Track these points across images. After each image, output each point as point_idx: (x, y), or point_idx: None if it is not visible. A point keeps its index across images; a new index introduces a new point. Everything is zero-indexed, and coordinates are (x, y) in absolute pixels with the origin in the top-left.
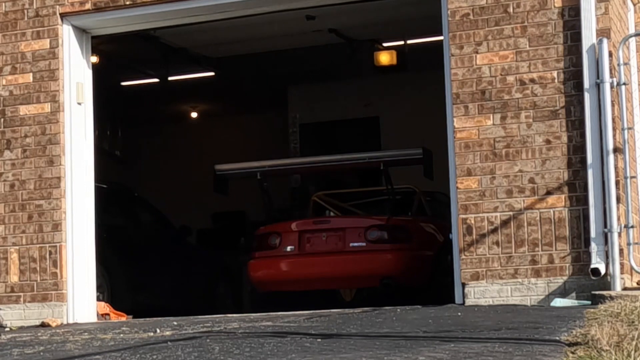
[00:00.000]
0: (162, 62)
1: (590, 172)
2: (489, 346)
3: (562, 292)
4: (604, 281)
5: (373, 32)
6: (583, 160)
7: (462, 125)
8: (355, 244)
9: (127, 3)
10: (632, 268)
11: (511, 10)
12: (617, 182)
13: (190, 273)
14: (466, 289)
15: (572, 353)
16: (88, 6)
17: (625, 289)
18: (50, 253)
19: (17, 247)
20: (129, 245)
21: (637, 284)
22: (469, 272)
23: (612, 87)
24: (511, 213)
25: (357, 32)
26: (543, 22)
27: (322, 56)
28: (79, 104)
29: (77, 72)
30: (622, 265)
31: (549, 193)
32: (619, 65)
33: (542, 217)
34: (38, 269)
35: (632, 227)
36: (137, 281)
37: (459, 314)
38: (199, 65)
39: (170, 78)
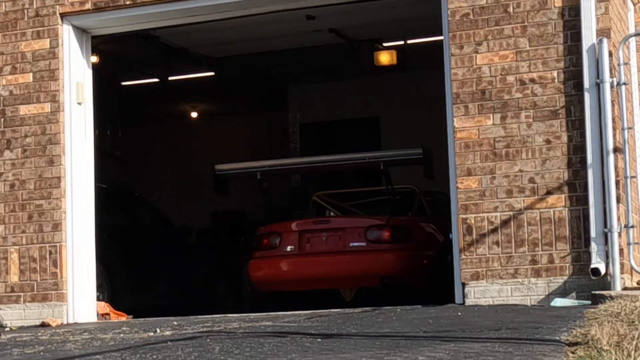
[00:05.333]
0: (162, 62)
1: (590, 172)
2: (489, 346)
3: (562, 292)
4: (604, 281)
5: (373, 32)
6: (583, 160)
7: (462, 125)
8: (355, 244)
9: (127, 3)
10: (632, 268)
11: (511, 10)
12: (617, 182)
13: (190, 273)
14: (466, 289)
15: (572, 353)
16: (88, 6)
17: (625, 288)
18: (50, 253)
19: (17, 247)
20: (129, 245)
21: (637, 283)
22: (469, 272)
23: (612, 87)
24: (511, 213)
25: (357, 32)
26: (543, 22)
27: (322, 56)
28: (79, 103)
29: (77, 72)
30: (622, 265)
31: (549, 193)
32: (619, 65)
33: (542, 217)
34: (38, 268)
35: (632, 227)
36: (137, 281)
37: (459, 314)
38: (199, 65)
39: (170, 78)
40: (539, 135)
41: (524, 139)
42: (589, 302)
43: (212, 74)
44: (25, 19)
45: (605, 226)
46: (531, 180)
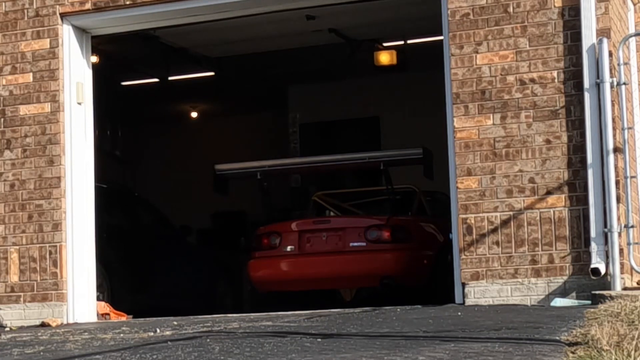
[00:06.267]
0: (162, 62)
1: (590, 172)
2: (489, 346)
3: (562, 292)
4: (604, 281)
5: (373, 32)
6: (583, 160)
7: (462, 125)
8: (355, 244)
9: (127, 3)
10: (632, 268)
11: (511, 10)
12: (617, 182)
13: (190, 273)
14: (466, 289)
15: (572, 353)
16: (88, 6)
17: (625, 288)
18: (50, 253)
19: (17, 247)
20: (129, 245)
21: (637, 283)
22: (469, 272)
23: (612, 87)
24: (511, 213)
25: (357, 32)
26: (543, 22)
27: (322, 56)
28: (79, 104)
29: (77, 72)
30: (622, 265)
31: (549, 193)
32: (619, 65)
33: (542, 217)
34: (38, 268)
35: (632, 226)
36: (137, 281)
37: (459, 314)
38: (199, 65)
39: (170, 78)
40: (539, 135)
41: (524, 139)
42: (589, 302)
43: (212, 74)
44: (25, 19)
45: (605, 226)
46: (531, 180)
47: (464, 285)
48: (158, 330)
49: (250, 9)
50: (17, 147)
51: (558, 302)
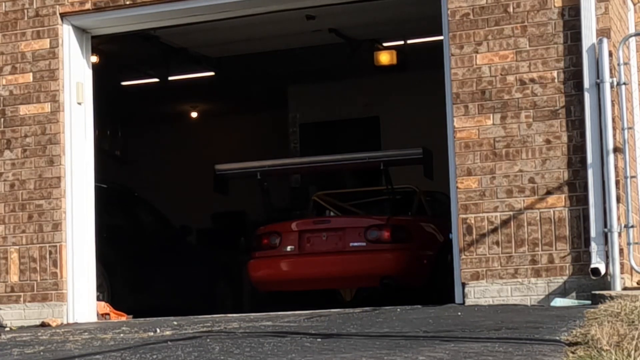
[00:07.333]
0: (162, 62)
1: (590, 171)
2: (489, 346)
3: (562, 292)
4: (604, 281)
5: (373, 32)
6: (583, 160)
7: (462, 125)
8: (355, 244)
9: (127, 3)
10: (632, 268)
11: (511, 10)
12: (617, 182)
13: (190, 273)
14: (466, 289)
15: (572, 353)
16: (88, 6)
17: (625, 288)
18: (50, 253)
19: (17, 247)
20: (129, 245)
21: (637, 283)
22: (469, 272)
23: (612, 87)
24: (511, 213)
25: (357, 32)
26: (543, 22)
27: (322, 56)
28: (79, 104)
29: (77, 72)
30: (622, 265)
31: (549, 193)
32: (619, 65)
33: (542, 217)
34: (38, 268)
35: (632, 226)
36: (137, 281)
37: (459, 313)
38: (199, 65)
39: (170, 78)
40: (539, 135)
41: (524, 139)
42: (589, 302)
43: (212, 74)
44: (25, 19)
45: (605, 226)
46: (531, 180)
47: (464, 285)
48: (158, 330)
49: (250, 9)
50: (17, 147)
51: (558, 302)
